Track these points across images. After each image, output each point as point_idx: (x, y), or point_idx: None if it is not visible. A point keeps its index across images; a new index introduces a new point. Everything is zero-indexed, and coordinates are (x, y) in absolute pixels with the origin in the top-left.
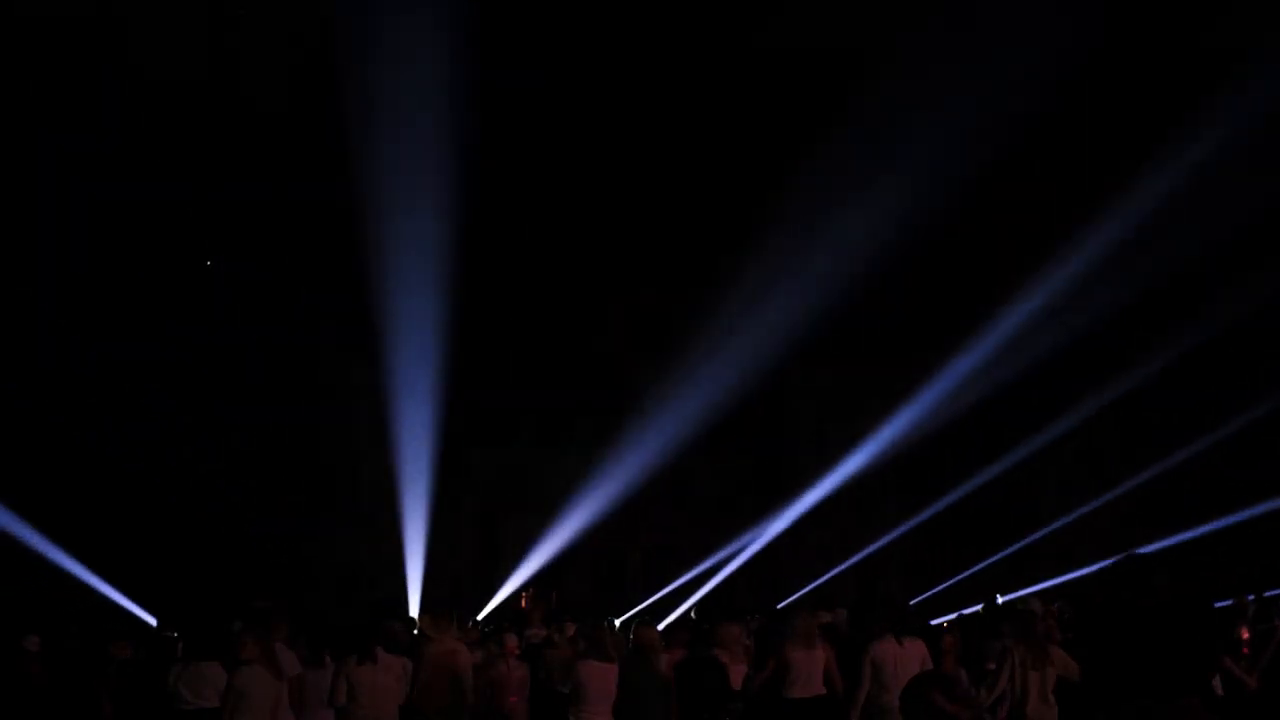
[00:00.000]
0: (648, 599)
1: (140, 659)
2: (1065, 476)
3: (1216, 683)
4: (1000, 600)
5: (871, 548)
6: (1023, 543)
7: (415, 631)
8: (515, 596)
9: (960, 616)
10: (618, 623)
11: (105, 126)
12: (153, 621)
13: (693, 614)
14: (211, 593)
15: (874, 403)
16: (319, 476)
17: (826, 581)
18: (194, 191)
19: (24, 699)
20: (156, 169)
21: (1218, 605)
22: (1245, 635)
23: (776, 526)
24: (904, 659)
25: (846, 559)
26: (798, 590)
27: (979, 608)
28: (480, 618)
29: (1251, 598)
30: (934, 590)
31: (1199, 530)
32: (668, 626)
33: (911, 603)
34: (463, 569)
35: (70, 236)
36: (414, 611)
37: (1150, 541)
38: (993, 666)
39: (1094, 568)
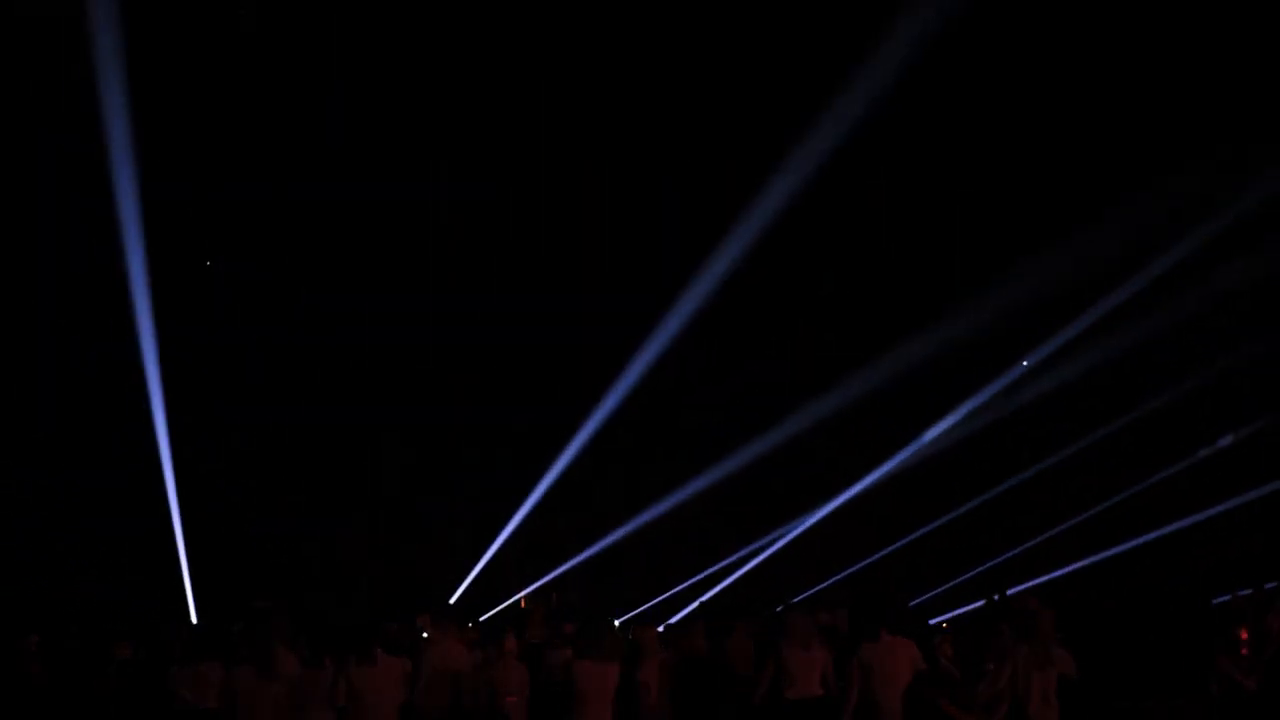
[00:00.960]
0: (648, 600)
1: (140, 659)
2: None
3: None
4: (1002, 595)
5: (877, 555)
6: (1023, 546)
7: (424, 634)
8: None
9: (959, 615)
10: (617, 623)
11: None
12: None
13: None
14: (212, 593)
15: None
16: (319, 476)
17: (829, 583)
18: (194, 191)
19: (24, 699)
20: (156, 169)
21: (1216, 601)
22: (1244, 635)
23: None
24: (893, 659)
25: (848, 561)
26: (800, 592)
27: (981, 603)
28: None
29: (1249, 592)
30: (935, 591)
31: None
32: (669, 628)
33: (912, 604)
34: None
35: (70, 236)
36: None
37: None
38: (992, 667)
39: (1084, 562)
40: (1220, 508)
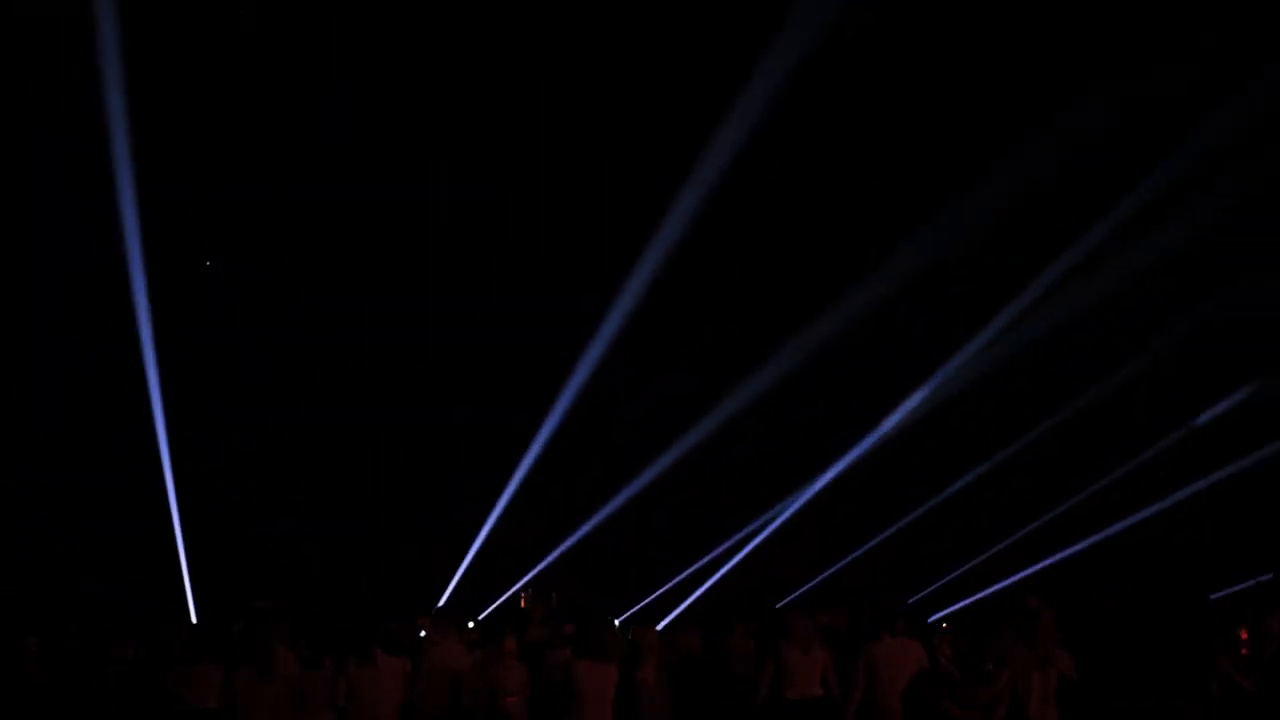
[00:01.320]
0: (647, 599)
1: (140, 659)
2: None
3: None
4: (1003, 595)
5: (868, 544)
6: (1015, 536)
7: (422, 634)
8: (515, 596)
9: (957, 613)
10: (617, 623)
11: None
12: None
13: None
14: (212, 593)
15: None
16: (319, 476)
17: (826, 579)
18: (193, 191)
19: (24, 699)
20: (156, 168)
21: (1214, 597)
22: (1244, 635)
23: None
24: (898, 659)
25: (844, 556)
26: (797, 590)
27: (982, 595)
28: (480, 618)
29: (1250, 584)
30: (931, 588)
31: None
32: (668, 627)
33: (910, 601)
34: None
35: (70, 236)
36: None
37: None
38: (992, 667)
39: (1070, 551)
40: (1208, 482)
